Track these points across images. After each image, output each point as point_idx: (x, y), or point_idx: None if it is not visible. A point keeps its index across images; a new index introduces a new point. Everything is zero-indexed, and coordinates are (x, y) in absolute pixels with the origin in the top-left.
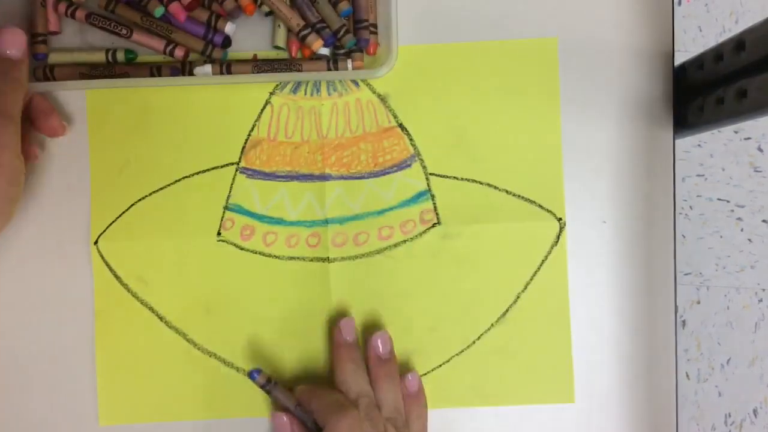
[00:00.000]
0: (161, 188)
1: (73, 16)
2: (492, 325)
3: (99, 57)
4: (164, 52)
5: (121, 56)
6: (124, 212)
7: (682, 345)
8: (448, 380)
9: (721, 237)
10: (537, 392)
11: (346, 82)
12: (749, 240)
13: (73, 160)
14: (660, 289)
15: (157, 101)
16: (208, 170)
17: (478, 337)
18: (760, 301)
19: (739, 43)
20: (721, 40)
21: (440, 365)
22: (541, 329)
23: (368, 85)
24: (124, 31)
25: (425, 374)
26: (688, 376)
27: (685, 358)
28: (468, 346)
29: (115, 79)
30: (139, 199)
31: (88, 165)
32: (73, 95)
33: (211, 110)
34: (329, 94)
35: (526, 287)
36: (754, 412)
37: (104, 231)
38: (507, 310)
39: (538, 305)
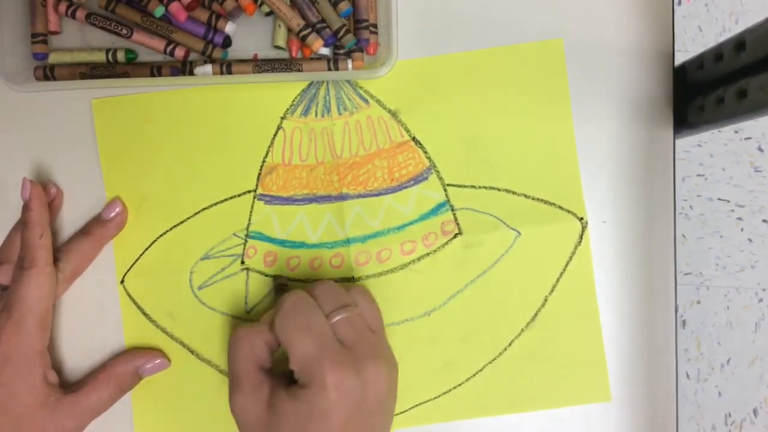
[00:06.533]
0: (181, 222)
1: (73, 16)
2: (522, 330)
3: (99, 57)
4: (164, 52)
5: (121, 56)
6: (146, 249)
7: (682, 345)
8: (483, 389)
9: (721, 237)
10: (573, 394)
11: (355, 100)
12: (749, 240)
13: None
14: (660, 289)
15: (167, 126)
16: (226, 200)
17: (510, 344)
18: (760, 301)
19: (739, 43)
20: (721, 40)
21: (474, 374)
22: (572, 330)
23: (378, 101)
24: (124, 31)
25: (459, 385)
26: (688, 376)
27: (685, 358)
28: (500, 353)
29: (116, 79)
30: (161, 235)
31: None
32: (73, 99)
33: (223, 137)
34: (340, 114)
35: (553, 289)
36: (754, 412)
37: (129, 269)
38: (536, 314)
39: (566, 306)
